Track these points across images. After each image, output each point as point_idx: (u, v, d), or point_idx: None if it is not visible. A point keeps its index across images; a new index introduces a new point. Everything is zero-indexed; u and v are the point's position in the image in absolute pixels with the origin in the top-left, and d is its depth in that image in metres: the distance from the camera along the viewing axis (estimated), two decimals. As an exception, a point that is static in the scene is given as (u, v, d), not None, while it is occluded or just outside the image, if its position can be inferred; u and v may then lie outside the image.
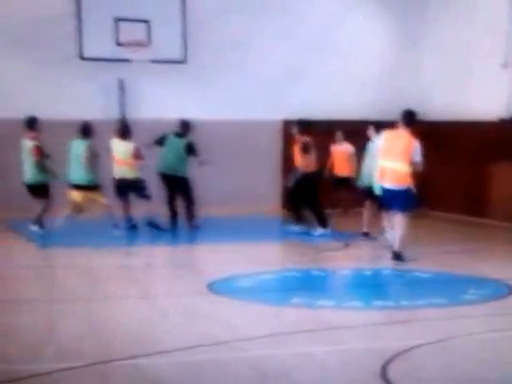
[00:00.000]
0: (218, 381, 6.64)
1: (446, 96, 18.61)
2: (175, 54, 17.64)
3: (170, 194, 15.22)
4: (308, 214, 14.91)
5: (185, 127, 15.33)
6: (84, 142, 14.52)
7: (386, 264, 11.80)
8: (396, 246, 11.83)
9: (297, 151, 14.81)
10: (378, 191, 12.13)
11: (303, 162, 14.59)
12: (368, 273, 11.57)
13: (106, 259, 12.37)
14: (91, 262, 12.11)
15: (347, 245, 13.69)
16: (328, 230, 14.68)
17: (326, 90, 18.80)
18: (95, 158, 14.43)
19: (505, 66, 16.92)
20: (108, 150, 14.72)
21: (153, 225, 14.76)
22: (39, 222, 14.54)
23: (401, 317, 8.83)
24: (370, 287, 10.78)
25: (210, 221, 16.03)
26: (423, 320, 8.67)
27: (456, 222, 17.31)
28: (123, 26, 17.16)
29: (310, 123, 15.00)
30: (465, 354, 7.45)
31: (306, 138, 14.65)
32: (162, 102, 17.55)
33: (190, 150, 15.10)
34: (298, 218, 14.93)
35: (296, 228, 14.85)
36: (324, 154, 16.92)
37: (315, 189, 14.70)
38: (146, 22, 17.34)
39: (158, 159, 15.17)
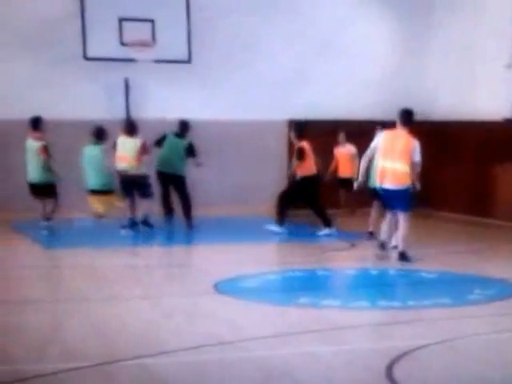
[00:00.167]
0: (222, 381, 6.64)
1: (451, 96, 18.59)
2: (180, 53, 17.63)
3: (164, 191, 15.24)
4: (291, 214, 14.89)
5: (184, 127, 15.32)
6: (97, 147, 14.50)
7: (392, 264, 11.80)
8: (400, 247, 11.83)
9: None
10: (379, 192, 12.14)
11: (297, 168, 14.61)
12: (373, 273, 11.57)
13: (110, 259, 12.38)
14: (96, 263, 12.11)
15: (353, 245, 13.69)
16: (333, 230, 14.67)
17: (333, 91, 18.78)
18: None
19: (509, 66, 16.93)
20: (114, 147, 14.64)
21: (146, 223, 14.76)
22: (48, 219, 14.53)
23: (406, 317, 8.81)
24: (376, 287, 10.77)
25: (216, 221, 16.01)
26: (428, 320, 8.64)
27: (461, 222, 17.28)
28: (128, 25, 17.16)
29: (307, 124, 14.95)
30: (470, 354, 7.44)
31: (302, 143, 14.63)
32: (166, 102, 17.51)
33: (190, 150, 15.14)
34: (280, 220, 14.83)
35: (275, 228, 14.74)
36: (330, 155, 16.96)
37: (315, 191, 14.69)
38: (150, 21, 17.34)
39: (156, 159, 15.15)
